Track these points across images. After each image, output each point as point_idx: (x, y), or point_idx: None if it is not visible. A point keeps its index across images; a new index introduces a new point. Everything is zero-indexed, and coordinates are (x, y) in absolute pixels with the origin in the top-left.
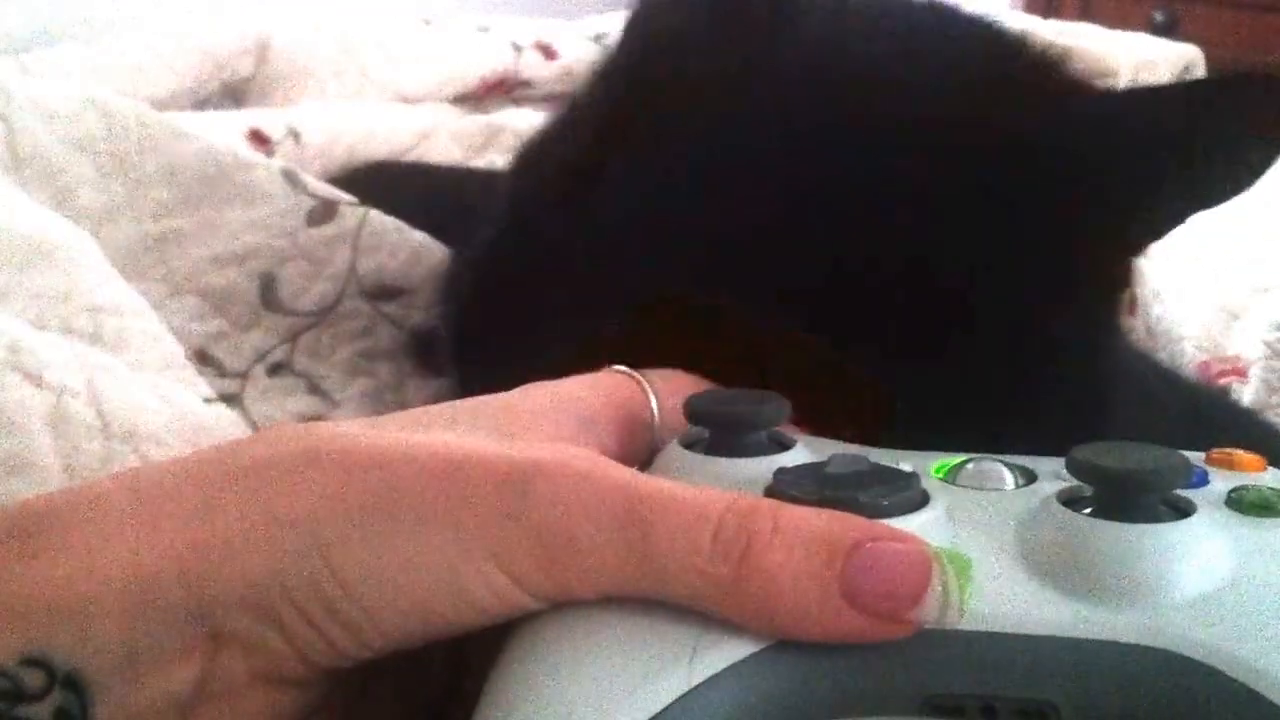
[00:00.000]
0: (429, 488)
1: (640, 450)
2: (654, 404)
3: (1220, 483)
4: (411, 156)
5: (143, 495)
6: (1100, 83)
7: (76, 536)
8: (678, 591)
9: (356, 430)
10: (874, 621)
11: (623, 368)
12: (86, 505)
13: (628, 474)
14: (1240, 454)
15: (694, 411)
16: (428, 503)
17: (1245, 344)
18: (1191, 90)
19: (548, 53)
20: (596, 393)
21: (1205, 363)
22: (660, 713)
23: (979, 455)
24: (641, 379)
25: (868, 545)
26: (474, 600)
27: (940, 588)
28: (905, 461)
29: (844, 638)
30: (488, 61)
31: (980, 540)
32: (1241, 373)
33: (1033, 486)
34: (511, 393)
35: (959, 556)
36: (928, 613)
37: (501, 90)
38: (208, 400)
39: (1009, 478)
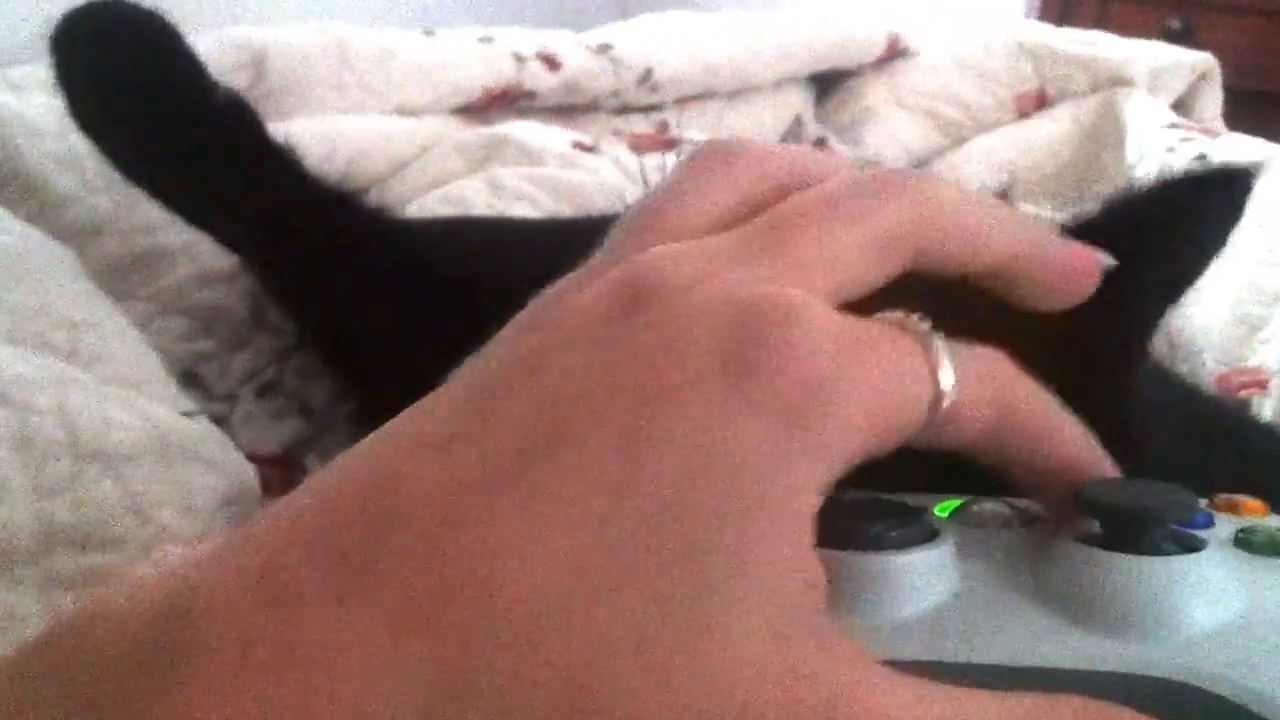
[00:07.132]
0: None
1: None
2: (946, 364)
3: (1227, 525)
4: (413, 168)
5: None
6: None
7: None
8: None
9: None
10: None
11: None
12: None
13: None
14: (1244, 499)
15: None
16: None
17: (1266, 356)
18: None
19: (551, 63)
20: None
21: (1225, 375)
22: None
23: (981, 497)
24: (938, 345)
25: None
26: None
27: None
28: (908, 502)
29: None
30: (490, 72)
31: (990, 574)
32: (1263, 385)
33: (1038, 525)
34: None
35: None
36: None
37: (505, 101)
38: (186, 414)
39: (1014, 517)
